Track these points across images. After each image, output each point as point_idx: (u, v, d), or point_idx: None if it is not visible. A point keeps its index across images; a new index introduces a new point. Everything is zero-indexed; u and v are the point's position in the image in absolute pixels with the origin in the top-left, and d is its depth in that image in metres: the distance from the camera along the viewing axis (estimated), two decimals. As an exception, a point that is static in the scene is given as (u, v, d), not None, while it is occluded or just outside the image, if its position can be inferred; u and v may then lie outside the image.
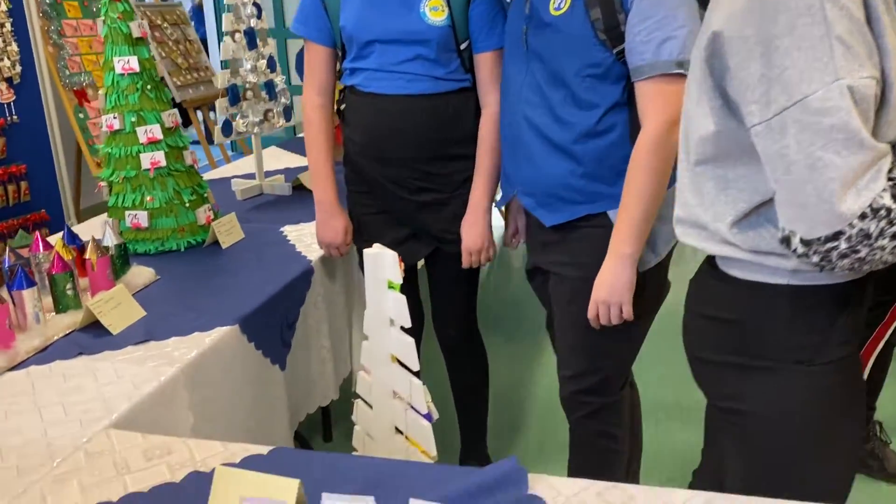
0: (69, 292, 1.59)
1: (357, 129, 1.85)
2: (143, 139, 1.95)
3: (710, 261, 1.12)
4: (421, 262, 2.00)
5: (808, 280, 0.99)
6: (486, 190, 1.82)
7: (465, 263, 1.85)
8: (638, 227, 1.44)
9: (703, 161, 1.03)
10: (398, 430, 1.46)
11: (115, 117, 1.94)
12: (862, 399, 1.09)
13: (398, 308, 1.37)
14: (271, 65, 2.59)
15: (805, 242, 0.90)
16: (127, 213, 1.97)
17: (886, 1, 0.88)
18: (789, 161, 0.88)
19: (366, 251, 1.38)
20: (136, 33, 1.95)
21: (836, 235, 0.87)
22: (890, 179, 0.85)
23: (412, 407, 1.40)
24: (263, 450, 1.12)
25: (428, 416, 1.37)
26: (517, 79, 1.57)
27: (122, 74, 1.94)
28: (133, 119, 1.95)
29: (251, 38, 2.48)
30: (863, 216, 0.85)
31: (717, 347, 1.09)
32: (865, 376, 2.27)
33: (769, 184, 0.94)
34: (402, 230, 1.92)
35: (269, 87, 2.60)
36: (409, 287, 2.04)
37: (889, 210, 0.85)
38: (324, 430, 2.40)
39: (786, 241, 0.93)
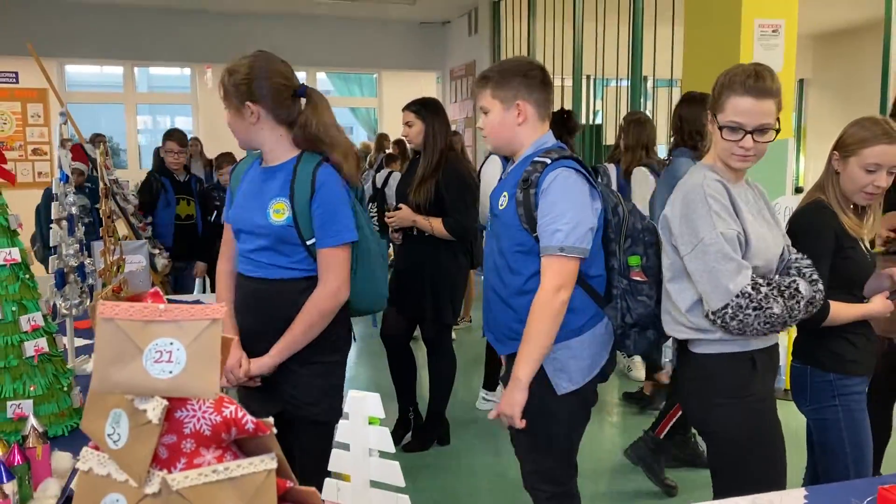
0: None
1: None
2: (26, 327, 1.96)
3: (683, 346, 1.98)
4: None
5: (730, 348, 1.83)
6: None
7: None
8: (531, 359, 1.97)
9: (668, 280, 1.89)
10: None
11: (-6, 308, 1.93)
12: (776, 421, 1.92)
13: (380, 437, 1.71)
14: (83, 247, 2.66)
15: (713, 312, 1.75)
16: (9, 403, 1.92)
17: (743, 196, 1.83)
18: (701, 271, 1.75)
19: (350, 394, 1.71)
20: (13, 226, 2.00)
21: (726, 306, 1.72)
22: (752, 279, 1.72)
23: (395, 520, 1.72)
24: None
25: (414, 525, 1.71)
26: (486, 251, 2.21)
27: (4, 265, 1.95)
28: (14, 308, 1.95)
29: (71, 224, 2.54)
30: (737, 296, 1.69)
31: (694, 395, 1.90)
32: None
33: (696, 287, 1.81)
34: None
35: (81, 269, 2.64)
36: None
37: (749, 294, 1.70)
38: None
39: (706, 315, 1.77)
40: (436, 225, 3.60)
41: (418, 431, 3.99)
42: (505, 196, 2.11)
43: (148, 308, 0.65)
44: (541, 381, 2.02)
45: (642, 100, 6.40)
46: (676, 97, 5.82)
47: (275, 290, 2.13)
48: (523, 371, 1.97)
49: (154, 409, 0.65)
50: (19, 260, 1.98)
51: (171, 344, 0.64)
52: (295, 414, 2.16)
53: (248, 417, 0.71)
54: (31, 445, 1.66)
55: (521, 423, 2.00)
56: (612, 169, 4.50)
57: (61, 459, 1.81)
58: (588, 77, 7.86)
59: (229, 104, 2.12)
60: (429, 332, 3.86)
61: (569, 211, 1.96)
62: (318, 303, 2.09)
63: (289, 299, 2.12)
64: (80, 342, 2.95)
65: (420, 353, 3.98)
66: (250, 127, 2.12)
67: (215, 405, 0.70)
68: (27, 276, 2.01)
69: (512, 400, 1.98)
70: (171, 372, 0.64)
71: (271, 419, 0.75)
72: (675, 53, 5.64)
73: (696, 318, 1.88)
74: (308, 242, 2.11)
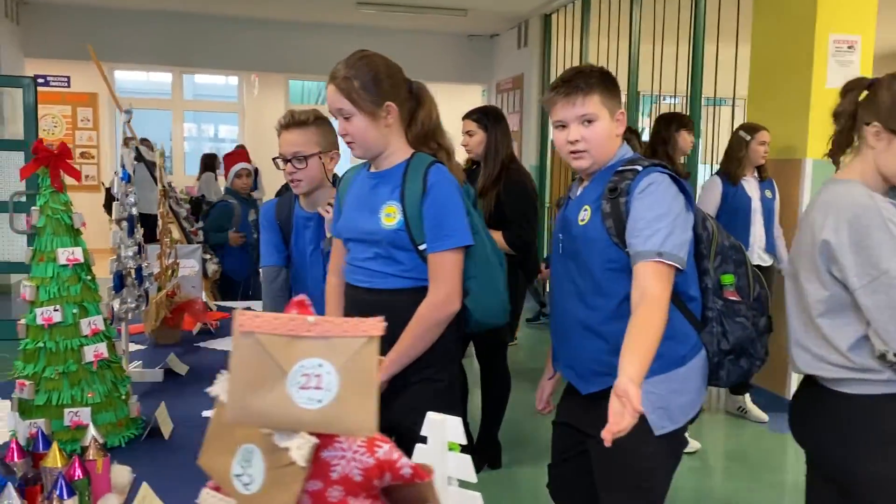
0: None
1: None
2: (86, 331, 1.87)
3: (821, 388, 1.78)
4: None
5: (893, 388, 1.66)
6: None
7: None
8: (647, 359, 1.57)
9: (821, 314, 1.69)
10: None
11: (55, 309, 1.84)
12: None
13: (460, 465, 1.58)
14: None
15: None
16: (66, 411, 1.83)
17: None
18: (884, 307, 1.56)
19: (429, 417, 1.57)
20: (77, 224, 1.91)
21: None
22: None
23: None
24: None
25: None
26: (558, 275, 1.95)
27: (66, 265, 1.86)
28: (75, 311, 1.86)
29: (131, 224, 2.46)
30: None
31: (842, 442, 1.69)
32: None
33: (863, 323, 1.63)
34: None
35: (139, 272, 2.55)
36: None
37: None
38: None
39: (882, 356, 1.60)
40: (497, 238, 3.47)
41: (469, 453, 3.83)
42: (587, 210, 1.88)
43: (294, 321, 0.53)
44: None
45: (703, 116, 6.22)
46: (740, 117, 5.64)
47: (387, 301, 1.98)
48: (636, 371, 1.52)
49: (300, 449, 0.52)
50: (82, 260, 1.89)
51: (321, 366, 0.51)
52: (407, 432, 1.99)
53: (405, 460, 0.59)
54: (91, 458, 1.56)
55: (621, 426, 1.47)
56: (718, 180, 4.41)
57: (120, 473, 1.71)
58: (640, 94, 7.69)
59: (361, 109, 1.95)
60: (484, 350, 3.72)
61: (665, 217, 1.74)
62: (426, 312, 1.96)
63: (401, 310, 1.97)
64: (132, 347, 2.87)
65: (471, 372, 3.85)
66: (384, 130, 1.98)
67: (367, 444, 0.57)
68: (89, 277, 1.92)
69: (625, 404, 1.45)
70: (320, 401, 0.51)
71: (431, 465, 0.63)
72: (738, 71, 5.46)
73: (860, 358, 1.70)
74: (420, 247, 1.99)
